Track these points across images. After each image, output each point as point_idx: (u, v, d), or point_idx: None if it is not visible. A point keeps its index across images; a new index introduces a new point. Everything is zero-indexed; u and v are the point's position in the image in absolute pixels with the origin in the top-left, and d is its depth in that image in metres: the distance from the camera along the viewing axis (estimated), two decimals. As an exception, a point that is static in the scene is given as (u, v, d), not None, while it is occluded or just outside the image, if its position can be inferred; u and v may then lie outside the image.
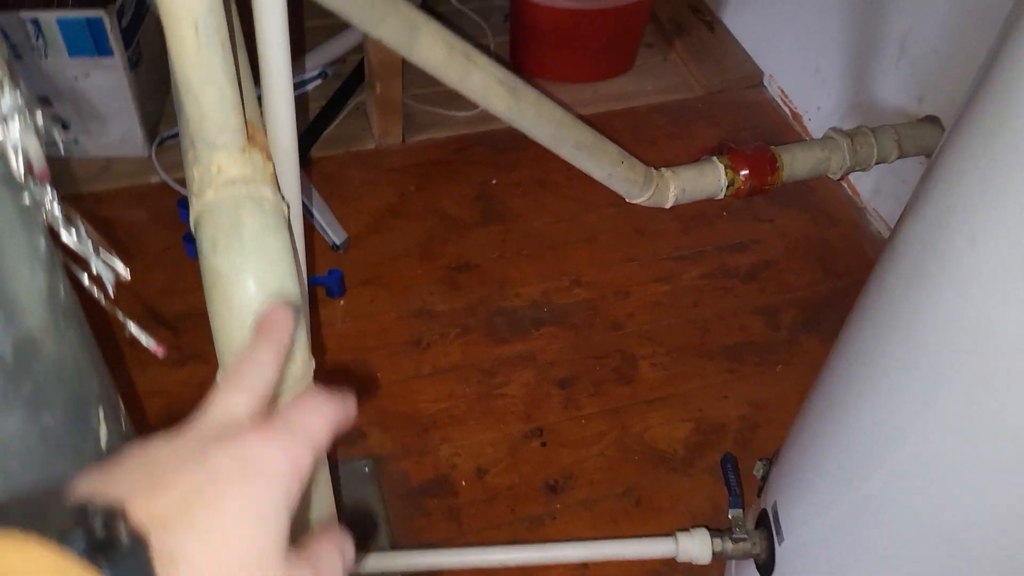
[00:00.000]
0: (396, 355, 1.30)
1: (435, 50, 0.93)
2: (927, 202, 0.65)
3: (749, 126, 1.69)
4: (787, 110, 1.70)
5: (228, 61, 0.45)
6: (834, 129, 1.32)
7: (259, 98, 0.56)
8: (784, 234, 1.51)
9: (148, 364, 1.23)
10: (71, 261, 0.42)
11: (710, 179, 1.23)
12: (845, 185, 1.58)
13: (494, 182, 1.56)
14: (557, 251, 1.46)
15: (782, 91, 1.71)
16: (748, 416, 1.27)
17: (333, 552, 0.34)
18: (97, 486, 0.29)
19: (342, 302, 1.36)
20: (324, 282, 1.34)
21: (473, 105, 1.63)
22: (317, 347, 1.30)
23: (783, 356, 1.34)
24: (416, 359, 1.30)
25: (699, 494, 1.18)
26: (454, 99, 1.65)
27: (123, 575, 0.26)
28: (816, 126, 1.62)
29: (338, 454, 1.19)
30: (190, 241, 1.37)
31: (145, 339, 0.46)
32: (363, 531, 1.10)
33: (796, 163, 1.27)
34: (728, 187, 1.23)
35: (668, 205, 1.23)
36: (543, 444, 1.22)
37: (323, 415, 0.33)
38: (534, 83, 1.77)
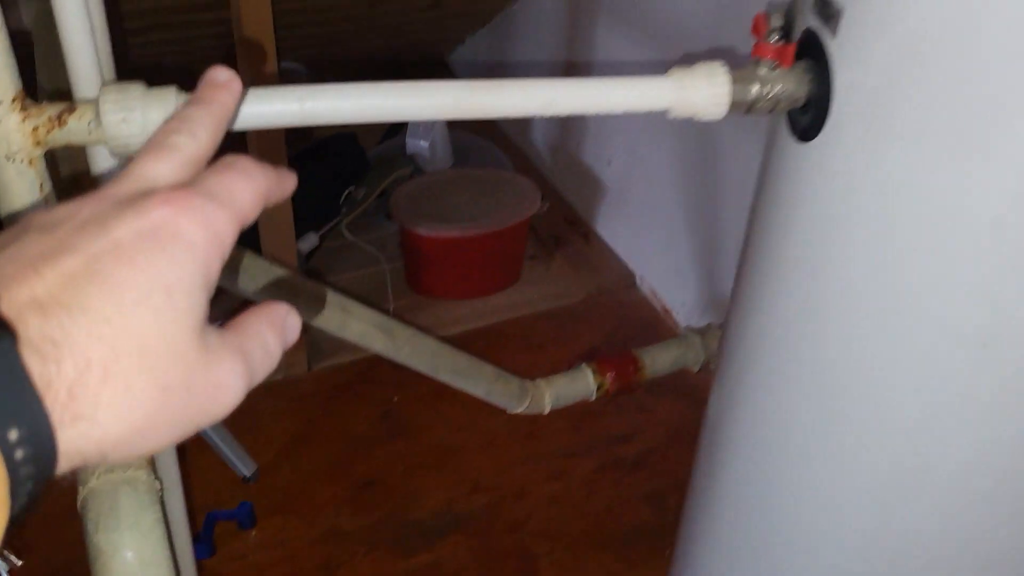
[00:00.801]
0: (307, 580, 1.36)
1: (314, 307, 1.07)
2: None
3: (625, 325, 1.87)
4: (658, 307, 1.89)
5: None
6: (688, 328, 1.49)
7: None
8: (664, 421, 1.65)
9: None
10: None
11: (581, 384, 1.37)
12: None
13: (396, 399, 1.68)
14: (457, 459, 1.56)
15: (652, 290, 1.91)
16: (644, 603, 1.35)
17: (269, 331, 0.29)
18: None
19: (254, 533, 1.43)
20: (235, 515, 1.41)
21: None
22: (229, 580, 1.35)
23: (670, 539, 1.43)
24: (327, 581, 1.36)
25: None
26: (355, 325, 1.79)
27: None
28: (683, 320, 1.80)
29: None
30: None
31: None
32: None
33: (657, 362, 1.42)
34: (598, 389, 1.38)
35: (546, 411, 1.36)
36: (452, 653, 1.27)
37: (251, 180, 0.28)
38: (430, 301, 1.94)
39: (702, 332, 1.46)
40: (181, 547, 0.89)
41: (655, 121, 1.82)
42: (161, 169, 0.29)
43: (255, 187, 0.29)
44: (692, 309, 1.78)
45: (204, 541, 1.38)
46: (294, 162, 1.92)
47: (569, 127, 2.11)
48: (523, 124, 2.31)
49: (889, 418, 0.54)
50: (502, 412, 1.65)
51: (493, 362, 1.47)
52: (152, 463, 0.62)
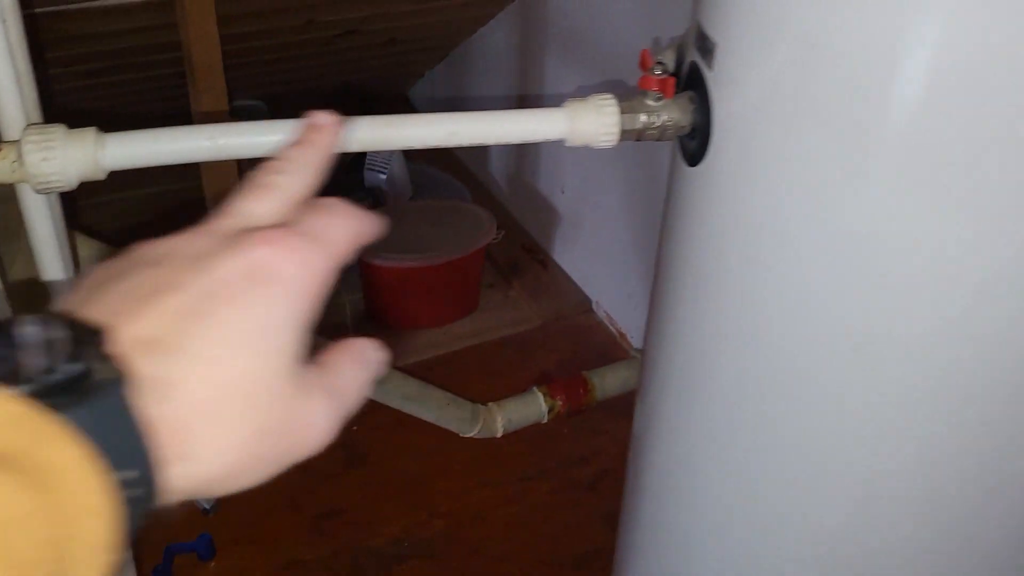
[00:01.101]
0: (266, 610, 1.37)
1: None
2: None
3: (582, 349, 1.90)
4: (614, 331, 1.93)
5: None
6: (639, 350, 1.53)
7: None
8: (620, 442, 1.67)
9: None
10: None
11: (532, 408, 1.40)
12: (669, 392, 1.77)
13: (355, 428, 1.69)
14: (415, 486, 1.58)
15: (608, 314, 1.94)
16: (600, 621, 1.37)
17: (355, 367, 0.31)
18: (73, 305, 0.25)
19: (213, 564, 1.43)
20: (194, 547, 1.42)
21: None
22: (188, 612, 1.36)
23: (626, 558, 1.46)
24: (285, 611, 1.37)
25: None
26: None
27: (92, 418, 0.22)
28: (638, 343, 1.84)
29: None
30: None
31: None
32: None
33: (606, 383, 1.46)
34: (549, 412, 1.41)
35: (499, 435, 1.39)
36: (409, 678, 1.28)
37: (347, 222, 0.29)
38: (391, 332, 1.96)
39: (651, 353, 1.50)
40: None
41: (606, 150, 1.87)
42: (263, 207, 0.29)
43: (351, 229, 0.29)
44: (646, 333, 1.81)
45: (163, 573, 1.38)
46: (253, 197, 1.95)
47: (524, 157, 2.16)
48: (481, 155, 2.36)
49: (775, 421, 0.57)
50: (459, 439, 1.68)
51: (452, 390, 1.50)
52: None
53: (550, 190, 2.09)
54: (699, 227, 0.61)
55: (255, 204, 0.29)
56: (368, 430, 1.69)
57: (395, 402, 1.25)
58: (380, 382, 1.21)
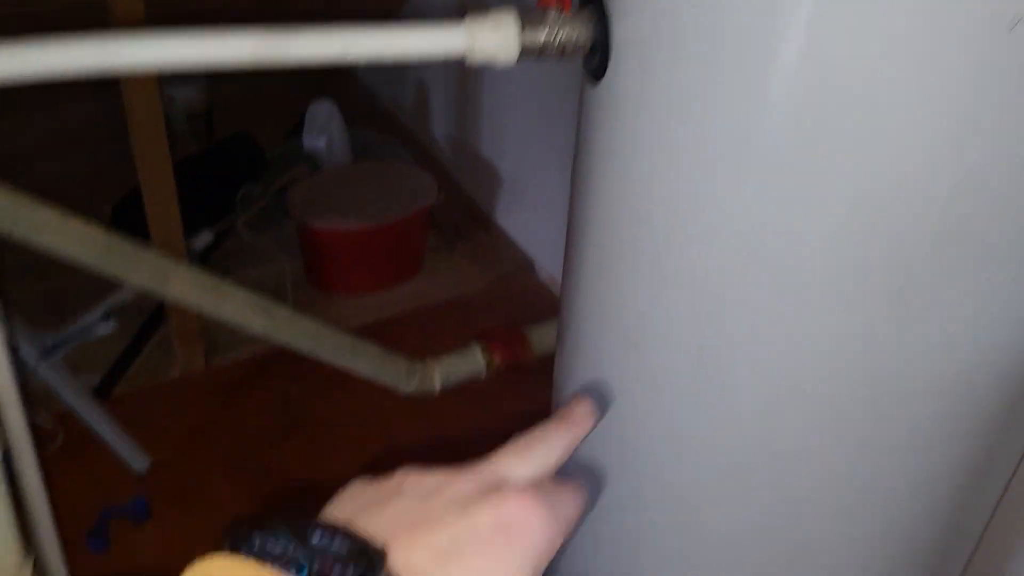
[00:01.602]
0: (203, 570, 1.36)
1: (186, 289, 1.08)
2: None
3: (525, 311, 1.90)
4: (556, 290, 1.93)
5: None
6: (576, 305, 1.53)
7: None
8: (561, 400, 1.69)
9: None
10: None
11: (470, 362, 1.40)
12: (610, 349, 1.79)
13: (294, 391, 1.68)
14: (356, 447, 1.57)
15: (550, 275, 1.95)
16: None
17: None
18: (345, 518, 0.31)
19: (148, 526, 1.42)
20: (128, 510, 1.40)
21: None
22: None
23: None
24: (223, 571, 1.36)
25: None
26: (254, 321, 1.80)
27: None
28: (580, 302, 1.85)
29: None
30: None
31: None
32: None
33: (545, 339, 1.46)
34: (487, 367, 1.41)
35: (437, 391, 1.38)
36: (348, 632, 1.28)
37: (580, 502, 0.34)
38: (332, 297, 1.94)
39: (589, 308, 1.51)
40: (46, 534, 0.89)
41: (546, 111, 1.86)
42: (521, 470, 0.35)
43: (581, 508, 0.34)
44: (587, 291, 1.82)
45: (99, 535, 1.36)
46: (188, 161, 1.91)
47: (466, 120, 2.15)
48: (423, 119, 2.34)
49: (678, 345, 0.58)
50: (398, 398, 1.67)
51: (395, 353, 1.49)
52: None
53: (492, 153, 2.08)
54: (602, 142, 0.61)
55: (517, 463, 0.35)
56: (306, 393, 1.68)
57: (328, 356, 1.24)
58: (314, 338, 1.20)
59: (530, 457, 0.35)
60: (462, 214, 2.14)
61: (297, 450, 1.56)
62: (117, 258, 1.02)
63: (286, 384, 1.69)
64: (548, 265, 1.96)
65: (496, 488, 0.33)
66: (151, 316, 1.75)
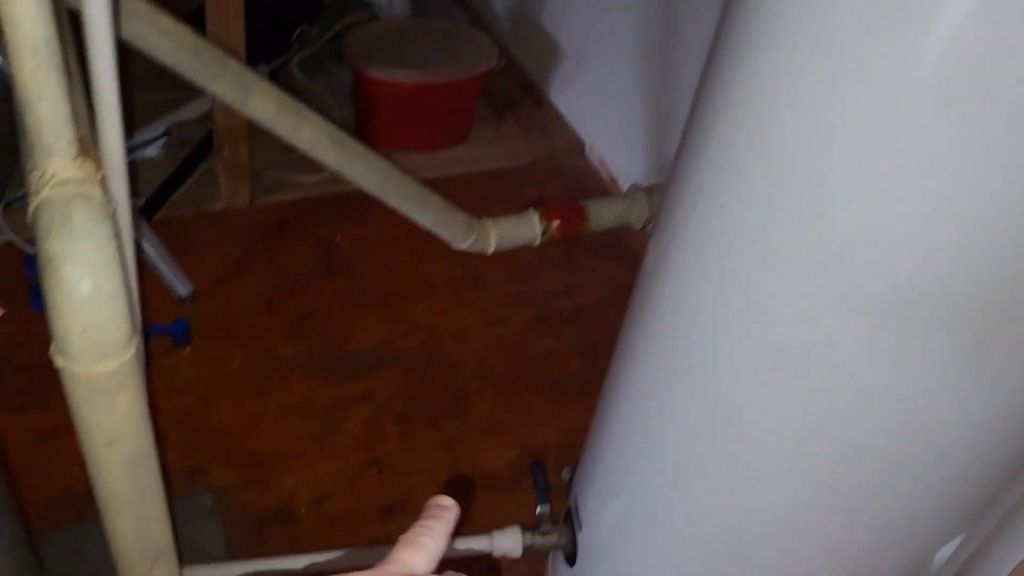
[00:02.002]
0: (241, 397, 1.37)
1: (267, 106, 1.05)
2: (660, 223, 0.82)
3: (573, 190, 1.88)
4: (605, 175, 1.91)
5: (62, 82, 0.56)
6: (635, 185, 1.51)
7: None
8: (603, 280, 1.69)
9: (-12, 410, 1.26)
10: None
11: (526, 228, 1.38)
12: (655, 238, 1.78)
13: (338, 239, 1.67)
14: (396, 300, 1.57)
15: (601, 159, 1.92)
16: (569, 441, 1.40)
17: None
18: None
19: (188, 350, 1.42)
20: (169, 331, 1.41)
21: (319, 168, 1.76)
22: (154, 391, 1.36)
23: (599, 387, 1.48)
24: (260, 400, 1.37)
25: (524, 509, 1.29)
26: (302, 163, 1.76)
27: None
28: (629, 188, 1.82)
29: (177, 491, 1.24)
30: (35, 295, 1.41)
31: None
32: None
33: (602, 215, 1.45)
34: (543, 234, 1.39)
35: (490, 251, 1.37)
36: (379, 472, 1.31)
37: None
38: (377, 152, 1.92)
39: (648, 190, 1.49)
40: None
41: (619, -13, 1.80)
42: (418, 560, 0.39)
43: None
44: (638, 178, 1.79)
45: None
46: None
47: (531, -11, 2.07)
48: (484, -16, 2.26)
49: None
50: (442, 260, 1.67)
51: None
52: (104, 184, 0.61)
53: (554, 26, 2.01)
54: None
55: (414, 555, 0.39)
56: (350, 243, 1.67)
57: (393, 199, 1.22)
58: (383, 178, 1.18)
59: (423, 549, 0.40)
60: (515, 86, 2.09)
61: (336, 294, 1.56)
62: (204, 62, 0.99)
63: (330, 231, 1.68)
64: (599, 148, 1.92)
65: None
66: (200, 143, 1.72)
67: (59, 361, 0.59)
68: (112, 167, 0.64)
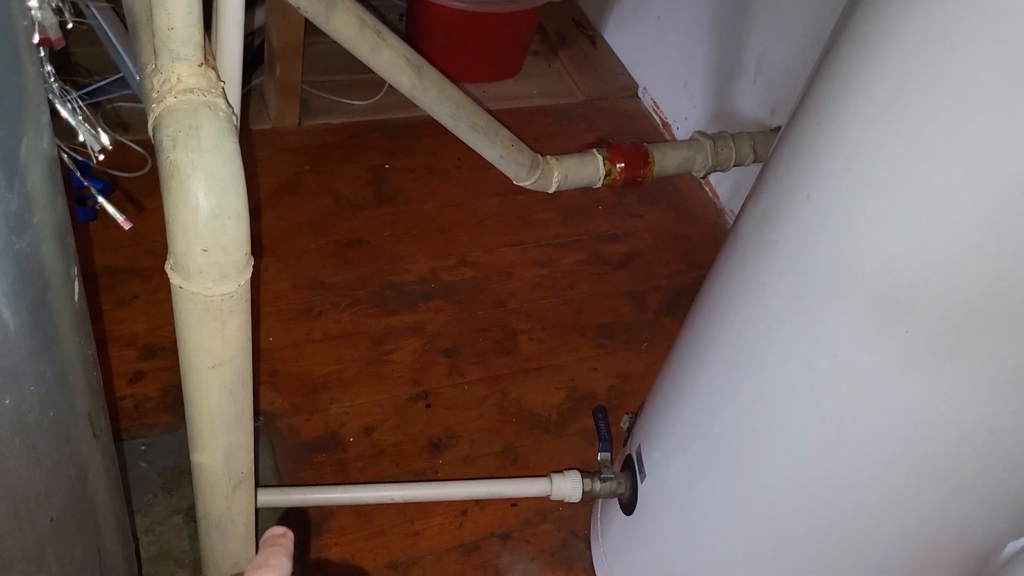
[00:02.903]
0: (288, 321, 1.35)
1: (349, 24, 1.01)
2: (766, 182, 0.79)
3: (623, 131, 1.84)
4: (658, 119, 1.86)
5: (196, -18, 0.52)
6: (699, 132, 1.47)
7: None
8: (652, 228, 1.66)
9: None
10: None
11: (590, 168, 1.35)
12: (707, 188, 1.74)
13: (387, 167, 1.64)
14: (445, 233, 1.55)
15: (654, 102, 1.87)
16: (616, 387, 1.39)
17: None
18: None
19: (236, 270, 1.40)
20: (219, 249, 1.38)
21: (369, 93, 1.72)
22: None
23: (648, 335, 1.47)
24: (308, 326, 1.36)
25: (570, 452, 1.29)
26: (350, 87, 1.72)
27: None
28: (683, 135, 1.78)
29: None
30: (81, 204, 1.38)
31: (114, 211, 0.52)
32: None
33: (666, 160, 1.41)
34: (605, 177, 1.36)
35: (551, 190, 1.34)
36: (428, 406, 1.30)
37: None
38: (427, 79, 1.84)
39: (713, 138, 1.45)
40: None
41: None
42: None
43: None
44: (694, 125, 1.75)
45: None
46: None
47: (593, -80, 2.00)
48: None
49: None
50: (492, 196, 1.64)
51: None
52: (226, 94, 0.58)
53: (615, -39, 1.95)
54: None
55: None
56: (399, 171, 1.64)
57: (463, 130, 1.18)
58: (456, 107, 1.14)
59: (278, 568, 0.45)
60: (568, 23, 2.03)
61: (384, 223, 1.53)
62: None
63: (380, 158, 1.64)
64: (653, 91, 1.88)
65: None
66: (249, 59, 1.66)
67: (176, 280, 0.57)
68: (230, 78, 0.61)
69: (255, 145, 1.60)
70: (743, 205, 0.86)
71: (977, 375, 0.62)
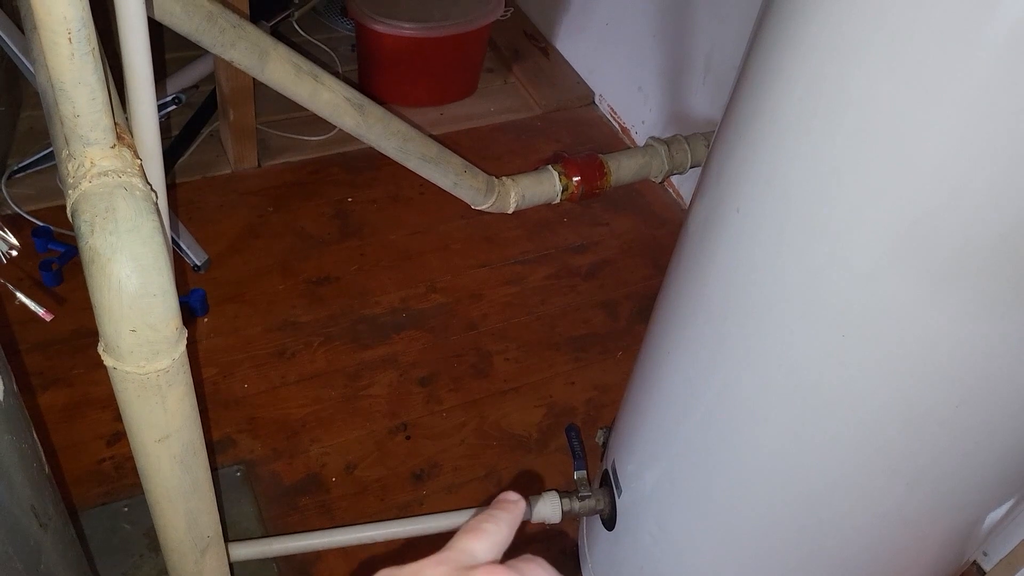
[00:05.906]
0: (262, 366, 1.36)
1: (284, 72, 1.02)
2: (705, 187, 0.79)
3: (584, 140, 1.85)
4: (616, 125, 1.87)
5: (98, 67, 0.53)
6: (653, 138, 1.48)
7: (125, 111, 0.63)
8: (619, 235, 1.66)
9: (9, 390, 1.24)
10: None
11: (547, 185, 1.35)
12: (670, 189, 1.75)
13: (350, 200, 1.64)
14: (413, 261, 1.55)
15: (611, 108, 1.88)
16: (594, 399, 1.39)
17: None
18: None
19: (206, 319, 1.40)
20: (186, 301, 1.39)
21: (325, 129, 1.72)
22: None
23: (622, 343, 1.48)
24: (282, 368, 1.36)
25: (554, 470, 1.29)
26: (307, 124, 1.72)
27: None
28: (642, 139, 1.79)
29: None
30: (46, 269, 1.38)
31: (34, 305, 0.52)
32: None
33: (622, 168, 1.42)
34: (563, 192, 1.37)
35: (511, 210, 1.34)
36: (408, 438, 1.30)
37: (542, 569, 0.37)
38: (384, 108, 1.87)
39: (667, 142, 1.46)
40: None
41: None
42: (481, 547, 0.37)
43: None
44: (652, 128, 1.76)
45: (155, 325, 1.35)
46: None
47: (535, -67, 2.01)
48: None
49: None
50: (457, 219, 1.64)
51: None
52: (143, 172, 0.59)
53: (560, -29, 1.96)
54: None
55: (476, 542, 0.38)
56: (362, 203, 1.64)
57: (413, 161, 1.19)
58: (402, 141, 1.15)
59: (485, 536, 0.38)
60: (520, 36, 2.04)
61: (351, 257, 1.54)
62: (219, 28, 0.95)
63: (341, 192, 1.65)
64: (610, 97, 1.88)
65: (467, 568, 0.36)
66: (202, 107, 1.67)
67: (109, 361, 0.57)
68: (148, 153, 0.62)
69: (216, 191, 1.60)
70: (687, 213, 0.86)
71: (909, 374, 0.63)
